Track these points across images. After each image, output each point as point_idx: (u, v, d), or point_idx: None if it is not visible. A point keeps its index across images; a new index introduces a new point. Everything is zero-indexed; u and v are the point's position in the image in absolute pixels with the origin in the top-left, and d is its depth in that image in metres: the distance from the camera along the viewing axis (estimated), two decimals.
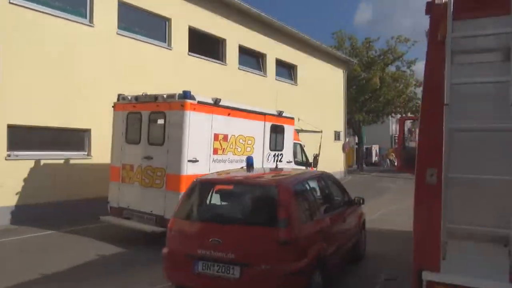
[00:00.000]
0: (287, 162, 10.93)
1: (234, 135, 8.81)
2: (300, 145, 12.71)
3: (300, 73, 21.02)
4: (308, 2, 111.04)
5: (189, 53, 14.38)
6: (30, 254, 7.17)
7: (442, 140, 2.79)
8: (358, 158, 31.93)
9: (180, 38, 14.03)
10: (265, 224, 4.46)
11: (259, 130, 9.70)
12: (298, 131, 14.09)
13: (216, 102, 8.28)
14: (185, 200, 5.05)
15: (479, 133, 2.82)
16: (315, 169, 11.79)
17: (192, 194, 5.08)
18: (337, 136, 25.20)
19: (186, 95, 7.60)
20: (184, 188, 6.56)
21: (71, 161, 10.73)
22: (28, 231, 8.65)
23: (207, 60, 15.25)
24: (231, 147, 8.74)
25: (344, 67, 26.18)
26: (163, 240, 4.96)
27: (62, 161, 10.53)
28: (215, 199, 5.15)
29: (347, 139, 27.48)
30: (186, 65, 14.14)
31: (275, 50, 19.02)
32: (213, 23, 15.41)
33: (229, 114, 8.65)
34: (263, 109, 10.33)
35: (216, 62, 15.81)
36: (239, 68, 16.87)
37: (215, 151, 8.29)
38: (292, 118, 11.41)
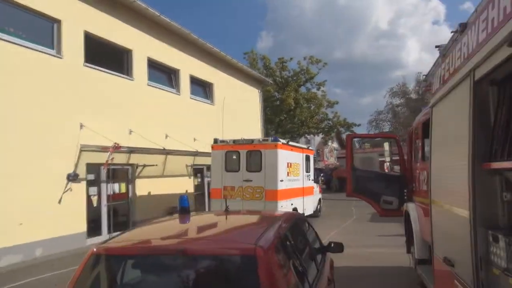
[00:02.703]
0: (311, 180, 15.40)
1: (293, 163, 12.93)
2: None
3: (217, 91, 19.12)
4: (210, 26, 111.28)
5: (86, 64, 11.60)
6: None
7: None
8: None
9: (73, 45, 11.21)
10: None
11: (301, 159, 14.01)
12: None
13: (288, 142, 12.92)
14: None
15: None
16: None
17: (87, 279, 2.70)
18: None
19: (275, 139, 12.03)
20: (279, 198, 11.43)
21: None
22: None
23: (108, 73, 12.55)
24: (292, 171, 12.80)
25: (259, 87, 24.96)
26: None
27: None
28: (133, 285, 2.82)
29: None
30: (82, 79, 11.33)
31: (189, 66, 16.90)
32: (115, 30, 12.85)
33: (291, 150, 12.96)
34: (302, 145, 15.99)
35: (121, 76, 13.17)
36: (148, 85, 14.39)
37: (287, 174, 12.34)
38: (313, 150, 16.70)
